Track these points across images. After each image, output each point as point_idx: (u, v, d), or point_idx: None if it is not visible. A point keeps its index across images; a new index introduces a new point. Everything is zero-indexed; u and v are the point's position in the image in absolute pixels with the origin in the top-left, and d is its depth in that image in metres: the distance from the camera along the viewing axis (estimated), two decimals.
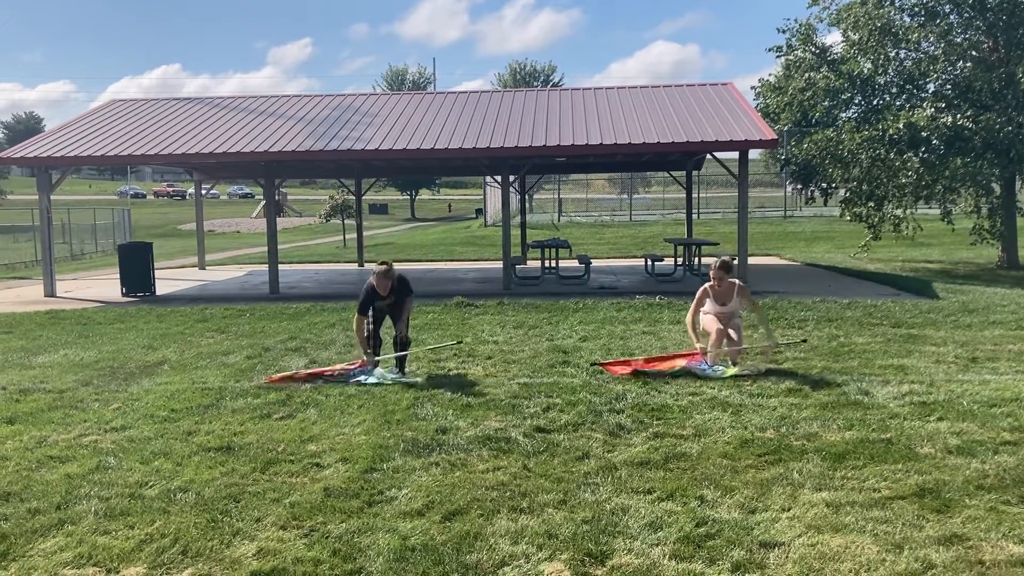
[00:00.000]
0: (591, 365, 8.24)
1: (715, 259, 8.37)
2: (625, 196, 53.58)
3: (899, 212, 18.32)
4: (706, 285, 8.34)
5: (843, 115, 19.39)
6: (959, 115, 16.88)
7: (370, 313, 8.21)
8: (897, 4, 18.17)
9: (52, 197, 16.42)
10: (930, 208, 20.71)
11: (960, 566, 3.91)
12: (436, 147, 15.18)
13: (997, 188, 18.16)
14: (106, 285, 17.90)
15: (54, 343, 10.51)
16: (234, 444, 5.97)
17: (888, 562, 3.96)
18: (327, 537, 4.36)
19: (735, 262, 9.54)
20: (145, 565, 4.13)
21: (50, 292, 16.08)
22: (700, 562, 4.01)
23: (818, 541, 4.19)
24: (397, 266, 8.49)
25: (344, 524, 4.52)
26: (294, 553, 4.19)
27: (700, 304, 8.33)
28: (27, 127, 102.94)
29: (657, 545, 4.20)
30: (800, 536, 4.26)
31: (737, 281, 8.36)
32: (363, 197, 25.50)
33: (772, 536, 4.27)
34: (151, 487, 5.15)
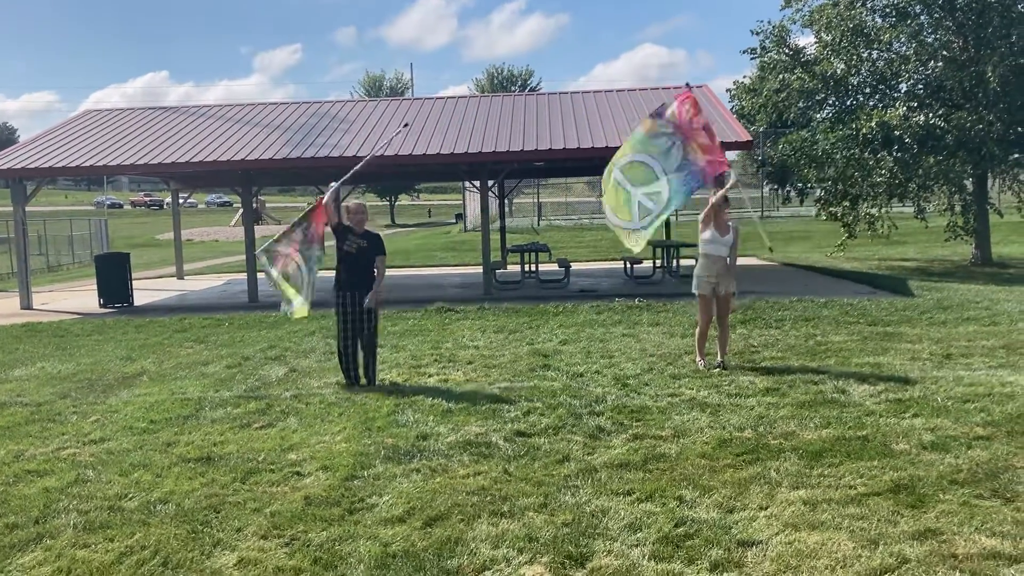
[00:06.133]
0: None
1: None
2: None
3: (874, 211, 18.54)
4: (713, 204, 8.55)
5: (817, 116, 19.62)
6: (931, 114, 17.13)
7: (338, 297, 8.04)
8: (869, 5, 18.41)
9: (27, 208, 16.28)
10: (905, 206, 20.97)
11: (934, 560, 3.97)
12: (414, 153, 15.20)
13: (970, 185, 18.42)
14: (83, 296, 17.75)
15: (31, 356, 10.42)
16: (214, 454, 5.95)
17: (864, 558, 4.02)
18: (308, 546, 4.37)
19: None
20: None
21: (26, 305, 15.93)
22: (679, 562, 4.05)
23: (795, 539, 4.24)
24: None
25: (325, 532, 4.52)
26: (275, 562, 4.19)
27: (706, 223, 8.54)
28: (1, 139, 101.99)
29: (636, 546, 4.23)
30: (777, 534, 4.31)
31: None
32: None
33: (750, 535, 4.32)
34: (130, 499, 5.13)
